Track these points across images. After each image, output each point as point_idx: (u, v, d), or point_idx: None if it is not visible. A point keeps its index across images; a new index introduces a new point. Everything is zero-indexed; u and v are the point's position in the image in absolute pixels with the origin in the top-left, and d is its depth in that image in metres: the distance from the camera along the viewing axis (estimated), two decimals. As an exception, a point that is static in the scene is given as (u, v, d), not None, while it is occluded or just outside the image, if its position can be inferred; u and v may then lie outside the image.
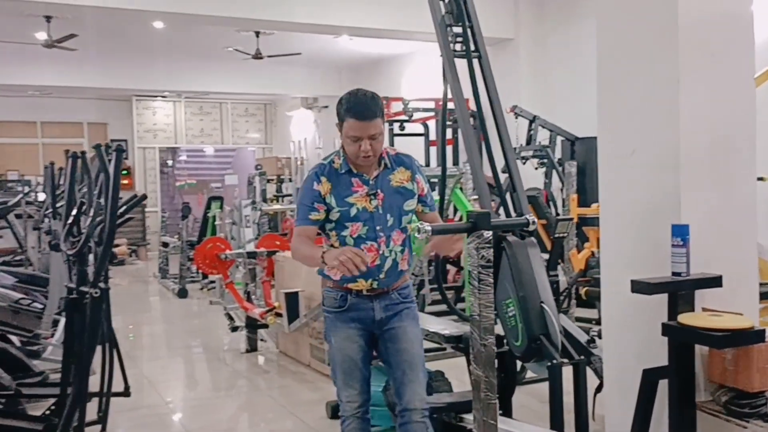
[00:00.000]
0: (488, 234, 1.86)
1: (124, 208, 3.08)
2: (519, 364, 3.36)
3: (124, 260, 12.19)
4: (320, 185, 2.58)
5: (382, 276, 2.59)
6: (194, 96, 14.13)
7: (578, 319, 5.53)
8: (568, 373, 3.05)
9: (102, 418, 3.18)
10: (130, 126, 13.99)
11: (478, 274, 1.84)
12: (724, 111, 2.63)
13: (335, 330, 2.63)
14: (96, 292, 2.73)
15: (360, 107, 2.50)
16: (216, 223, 8.80)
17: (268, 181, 10.28)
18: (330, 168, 2.62)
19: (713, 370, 2.52)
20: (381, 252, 2.57)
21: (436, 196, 3.44)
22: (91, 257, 2.91)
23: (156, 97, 14.02)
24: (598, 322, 5.59)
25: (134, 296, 8.97)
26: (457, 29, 3.68)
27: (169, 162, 14.86)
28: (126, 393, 3.48)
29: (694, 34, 2.55)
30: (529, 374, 3.97)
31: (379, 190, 2.59)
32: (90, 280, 2.81)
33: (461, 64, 3.60)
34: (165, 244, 9.74)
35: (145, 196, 3.23)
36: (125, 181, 13.00)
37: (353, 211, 2.57)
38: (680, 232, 2.48)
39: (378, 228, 2.57)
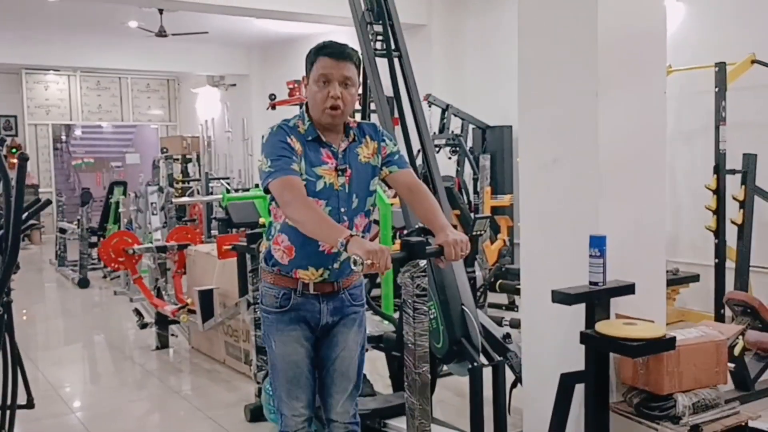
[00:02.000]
0: (423, 263, 1.85)
1: (27, 213, 2.86)
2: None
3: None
4: (293, 142, 2.19)
5: (336, 266, 2.27)
6: (91, 70, 13.37)
7: (490, 305, 5.69)
8: (486, 370, 3.13)
9: (6, 436, 2.99)
10: (19, 101, 13.10)
11: (413, 303, 1.83)
12: (639, 124, 2.74)
13: (277, 333, 2.31)
14: (-2, 310, 2.54)
15: (335, 46, 2.24)
16: (120, 210, 8.41)
17: (174, 160, 9.92)
18: (296, 131, 2.23)
19: (625, 373, 2.65)
20: None
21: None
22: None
23: (48, 71, 13.18)
24: (508, 307, 5.81)
25: (29, 285, 8.38)
26: (378, 27, 3.65)
27: (63, 138, 14.06)
28: (30, 405, 3.28)
29: (612, 50, 2.63)
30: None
31: (348, 166, 2.26)
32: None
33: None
34: (63, 230, 9.23)
35: (49, 201, 3.02)
36: (13, 161, 12.17)
37: (320, 185, 2.20)
38: (598, 243, 2.57)
39: (342, 210, 2.24)
